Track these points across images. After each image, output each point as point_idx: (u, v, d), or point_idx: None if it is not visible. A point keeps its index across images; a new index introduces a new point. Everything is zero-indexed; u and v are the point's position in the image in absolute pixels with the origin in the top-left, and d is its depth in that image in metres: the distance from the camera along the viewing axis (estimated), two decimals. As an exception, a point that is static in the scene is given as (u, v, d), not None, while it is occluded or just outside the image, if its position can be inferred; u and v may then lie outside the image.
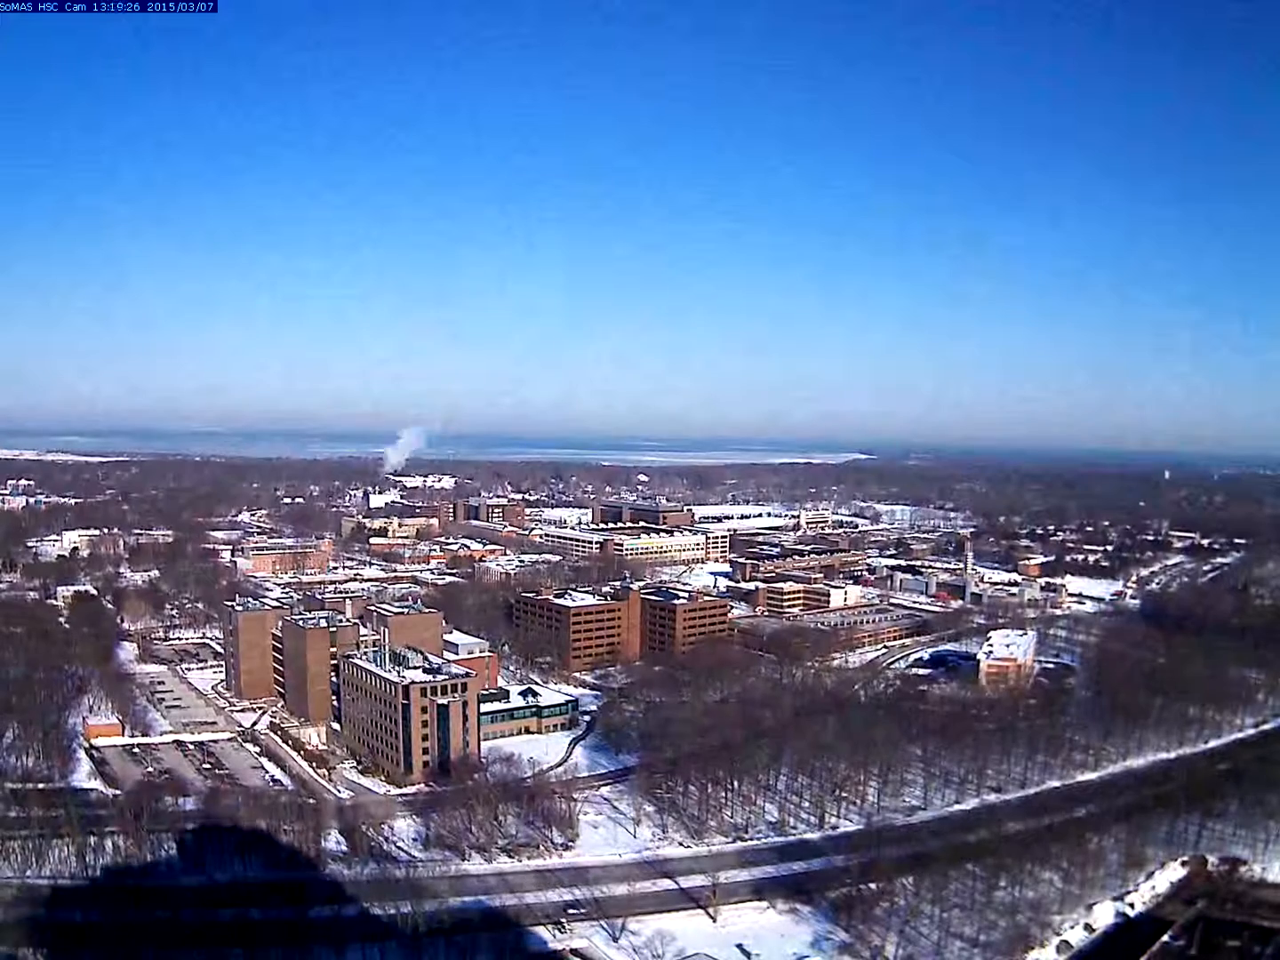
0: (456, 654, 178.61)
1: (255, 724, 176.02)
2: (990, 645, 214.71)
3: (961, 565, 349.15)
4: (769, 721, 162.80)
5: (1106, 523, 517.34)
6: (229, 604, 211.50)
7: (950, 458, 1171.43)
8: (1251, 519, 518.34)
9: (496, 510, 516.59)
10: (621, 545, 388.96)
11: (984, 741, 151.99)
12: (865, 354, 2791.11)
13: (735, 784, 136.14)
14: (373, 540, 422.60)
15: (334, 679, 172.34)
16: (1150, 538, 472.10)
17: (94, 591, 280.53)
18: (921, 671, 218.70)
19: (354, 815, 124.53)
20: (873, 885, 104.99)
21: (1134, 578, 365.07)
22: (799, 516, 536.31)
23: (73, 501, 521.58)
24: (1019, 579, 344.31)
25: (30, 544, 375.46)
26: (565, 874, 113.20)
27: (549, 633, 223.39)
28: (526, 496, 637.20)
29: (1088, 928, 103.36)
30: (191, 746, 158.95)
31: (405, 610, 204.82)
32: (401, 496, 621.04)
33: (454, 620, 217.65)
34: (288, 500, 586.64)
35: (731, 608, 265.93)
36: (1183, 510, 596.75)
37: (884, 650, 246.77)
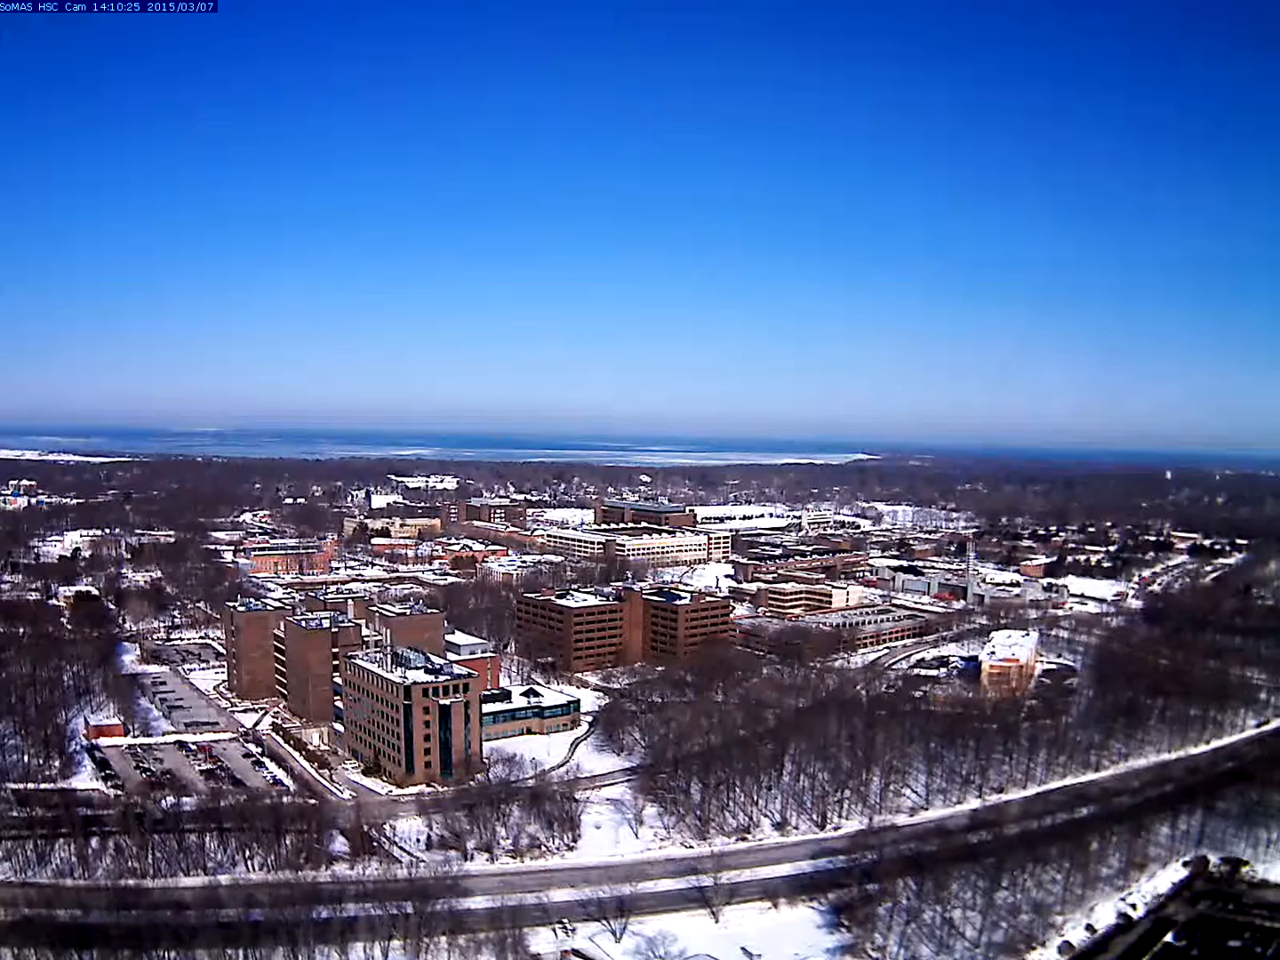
0: (458, 655, 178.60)
1: (257, 724, 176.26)
2: (992, 646, 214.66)
3: (963, 566, 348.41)
4: (771, 722, 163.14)
5: (1108, 523, 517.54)
6: (231, 604, 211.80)
7: (952, 458, 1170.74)
8: (1254, 519, 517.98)
9: (498, 511, 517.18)
10: (623, 546, 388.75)
11: (986, 742, 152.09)
12: (868, 355, 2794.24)
13: (738, 784, 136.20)
14: (375, 541, 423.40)
15: (336, 679, 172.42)
16: (1152, 538, 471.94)
17: (96, 592, 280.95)
18: (924, 672, 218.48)
19: (356, 816, 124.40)
20: (875, 885, 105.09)
21: (1136, 578, 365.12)
22: (801, 517, 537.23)
23: (74, 502, 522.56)
24: (1021, 579, 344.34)
25: (32, 544, 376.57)
26: (568, 874, 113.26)
27: (551, 633, 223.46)
28: (528, 497, 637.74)
29: (1089, 928, 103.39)
30: (193, 747, 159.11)
31: (407, 611, 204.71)
32: (403, 497, 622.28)
33: (456, 621, 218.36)
34: (290, 500, 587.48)
35: (734, 608, 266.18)
36: (1185, 511, 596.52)
37: (886, 651, 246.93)
